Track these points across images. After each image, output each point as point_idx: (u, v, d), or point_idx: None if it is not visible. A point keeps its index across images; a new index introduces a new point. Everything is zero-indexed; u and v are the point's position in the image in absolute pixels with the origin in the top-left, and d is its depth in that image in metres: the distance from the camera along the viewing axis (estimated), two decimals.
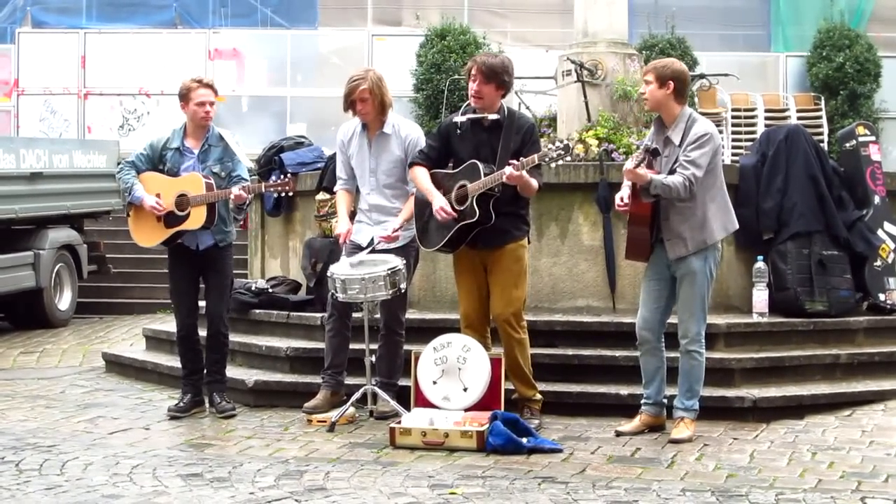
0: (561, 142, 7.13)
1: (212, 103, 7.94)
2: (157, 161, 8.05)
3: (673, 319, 7.22)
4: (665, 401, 7.29)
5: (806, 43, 20.40)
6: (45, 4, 22.13)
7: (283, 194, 8.35)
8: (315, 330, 8.78)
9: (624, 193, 7.13)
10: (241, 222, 8.82)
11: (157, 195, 7.90)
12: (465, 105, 7.55)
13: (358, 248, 7.77)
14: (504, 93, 7.41)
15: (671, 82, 7.00)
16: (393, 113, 7.90)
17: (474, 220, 7.17)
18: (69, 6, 21.94)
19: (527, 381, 7.49)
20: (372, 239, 7.75)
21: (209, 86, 7.98)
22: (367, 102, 7.69)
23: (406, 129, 7.86)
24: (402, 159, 7.73)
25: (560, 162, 7.10)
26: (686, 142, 6.94)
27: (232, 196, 7.75)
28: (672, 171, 6.89)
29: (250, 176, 8.26)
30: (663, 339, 7.21)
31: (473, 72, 7.31)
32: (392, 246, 7.65)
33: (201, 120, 7.95)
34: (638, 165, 6.85)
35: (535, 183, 7.18)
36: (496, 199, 7.17)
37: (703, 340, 7.12)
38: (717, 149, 7.03)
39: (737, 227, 7.35)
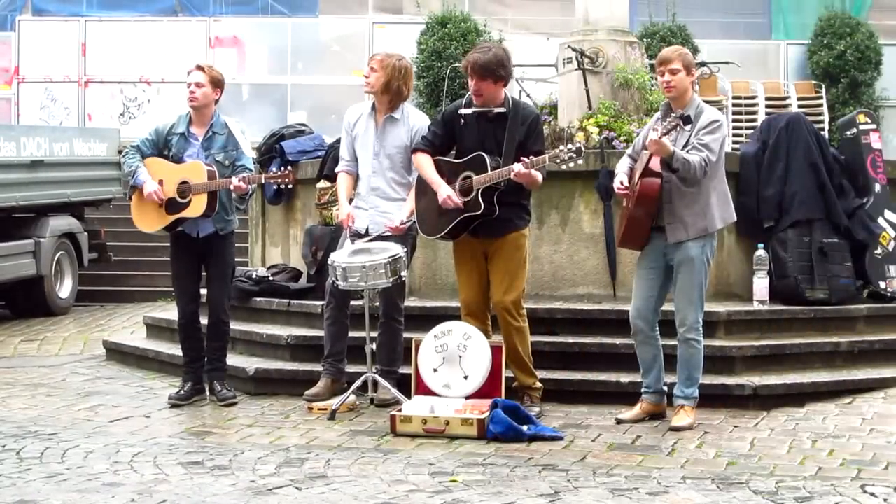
0: (574, 144, 7.15)
1: (199, 84, 7.93)
2: (162, 146, 8.05)
3: (670, 307, 7.22)
4: (665, 388, 7.30)
5: (807, 31, 20.37)
6: None
7: (283, 186, 8.36)
8: (316, 318, 8.78)
9: (622, 178, 7.14)
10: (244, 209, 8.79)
11: (160, 181, 7.90)
12: (468, 94, 7.53)
13: (356, 235, 7.76)
14: (504, 84, 7.39)
15: (693, 70, 7.08)
16: (407, 104, 7.90)
17: (478, 212, 7.17)
18: None
19: (526, 369, 7.49)
20: (367, 228, 7.75)
21: (202, 68, 8.02)
22: (374, 72, 7.72)
23: (415, 117, 7.85)
24: (407, 147, 7.71)
25: (571, 164, 7.10)
26: (698, 127, 6.94)
27: (232, 186, 7.75)
28: None
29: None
30: (658, 328, 7.20)
31: (468, 71, 7.31)
32: (392, 234, 7.64)
33: (189, 102, 7.97)
34: (666, 134, 6.82)
35: (540, 178, 7.19)
36: (500, 191, 7.17)
37: (701, 328, 7.12)
38: (724, 138, 7.07)
39: (735, 219, 7.38)
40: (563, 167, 7.14)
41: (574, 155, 7.04)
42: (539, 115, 7.76)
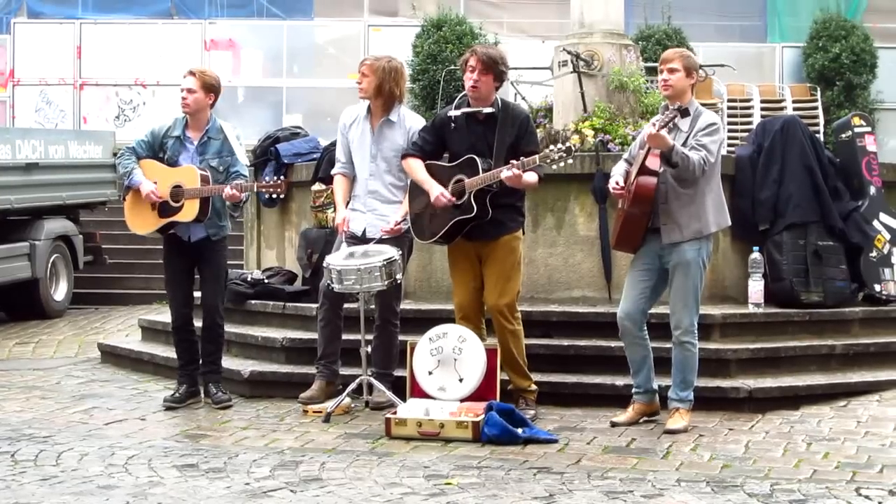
0: (564, 143, 7.14)
1: (190, 90, 7.91)
2: (158, 149, 8.05)
3: (665, 310, 7.22)
4: (656, 387, 7.29)
5: (802, 33, 20.40)
6: None
7: (275, 196, 8.34)
8: (311, 320, 8.76)
9: (618, 178, 7.14)
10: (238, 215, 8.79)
11: (154, 183, 7.89)
12: (458, 97, 7.53)
13: (353, 237, 7.76)
14: (499, 85, 7.40)
15: (695, 73, 7.09)
16: (403, 106, 7.90)
17: (472, 215, 7.17)
18: None
19: (521, 371, 7.49)
20: (364, 231, 7.74)
21: (193, 73, 7.98)
22: (366, 77, 7.72)
23: (411, 120, 7.86)
24: (403, 149, 7.72)
25: (561, 164, 7.09)
26: (696, 129, 6.94)
27: (225, 194, 7.73)
28: None
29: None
30: (646, 329, 7.20)
31: (472, 62, 7.28)
32: (387, 236, 7.64)
33: (182, 108, 7.96)
34: (664, 127, 6.81)
35: (533, 180, 7.18)
36: (493, 193, 7.16)
37: (696, 331, 7.12)
38: (721, 142, 7.08)
39: (729, 223, 7.40)
40: (554, 167, 7.13)
41: (564, 154, 7.02)
42: (528, 114, 7.77)
